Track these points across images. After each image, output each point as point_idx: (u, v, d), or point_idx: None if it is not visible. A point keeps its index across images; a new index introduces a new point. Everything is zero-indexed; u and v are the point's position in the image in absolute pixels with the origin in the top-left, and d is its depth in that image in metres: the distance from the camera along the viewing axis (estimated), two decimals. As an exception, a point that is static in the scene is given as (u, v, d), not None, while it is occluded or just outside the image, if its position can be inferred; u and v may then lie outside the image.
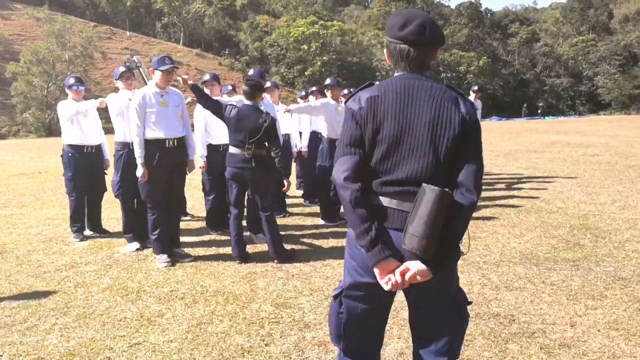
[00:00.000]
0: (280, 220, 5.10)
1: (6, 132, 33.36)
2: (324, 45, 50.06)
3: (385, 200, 1.64)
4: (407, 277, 1.58)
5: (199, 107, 4.81)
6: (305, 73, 48.67)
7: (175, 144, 4.22)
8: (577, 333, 2.83)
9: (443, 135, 1.62)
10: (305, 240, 4.96)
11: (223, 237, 5.03)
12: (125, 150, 4.55)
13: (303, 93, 7.92)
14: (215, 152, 5.04)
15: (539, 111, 46.01)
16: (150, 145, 4.13)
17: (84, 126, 4.99)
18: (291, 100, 30.48)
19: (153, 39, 55.30)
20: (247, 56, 54.12)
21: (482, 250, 4.49)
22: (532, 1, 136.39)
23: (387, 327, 2.88)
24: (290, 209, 6.28)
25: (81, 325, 3.05)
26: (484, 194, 7.09)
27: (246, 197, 4.68)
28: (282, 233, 4.53)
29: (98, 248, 4.79)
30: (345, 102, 1.78)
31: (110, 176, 4.90)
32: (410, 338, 1.92)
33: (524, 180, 8.45)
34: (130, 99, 4.38)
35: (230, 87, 6.10)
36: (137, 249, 4.64)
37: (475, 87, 8.50)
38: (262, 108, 4.25)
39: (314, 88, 7.31)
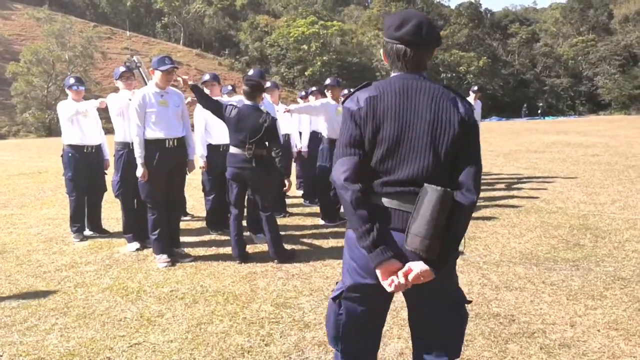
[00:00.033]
0: (280, 220, 5.10)
1: (6, 132, 33.35)
2: (324, 46, 50.05)
3: (386, 201, 1.64)
4: (410, 278, 1.58)
5: (199, 107, 4.81)
6: (305, 73, 48.65)
7: (175, 144, 4.22)
8: (577, 333, 2.83)
9: (443, 136, 1.62)
10: (305, 240, 4.96)
11: (223, 237, 5.03)
12: (125, 150, 4.55)
13: (303, 93, 7.92)
14: (215, 152, 5.04)
15: (539, 111, 45.97)
16: (150, 145, 4.13)
17: (84, 126, 4.99)
18: (291, 100, 30.48)
19: (153, 39, 55.28)
20: (247, 56, 54.10)
21: (482, 250, 4.49)
22: (532, 1, 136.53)
23: (387, 327, 2.90)
24: (290, 209, 6.28)
25: (81, 325, 3.05)
26: (484, 194, 7.09)
27: (246, 197, 4.68)
28: (282, 233, 4.53)
29: (98, 248, 4.79)
30: (342, 102, 1.77)
31: (110, 176, 4.90)
32: (410, 338, 1.92)
33: (524, 180, 8.45)
34: (130, 99, 4.38)
35: (230, 87, 6.10)
36: (137, 249, 4.64)
37: (475, 88, 8.50)
38: (262, 108, 4.25)
39: (314, 88, 7.31)
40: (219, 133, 4.96)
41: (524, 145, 15.43)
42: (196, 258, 4.38)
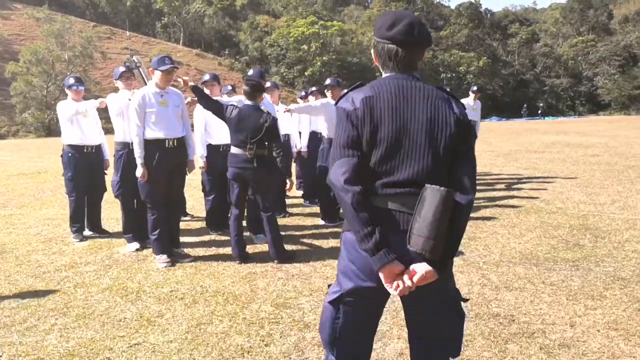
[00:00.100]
0: (280, 221, 5.09)
1: (5, 132, 33.35)
2: (324, 46, 50.07)
3: (386, 203, 1.62)
4: (415, 280, 1.57)
5: (199, 107, 4.81)
6: (305, 73, 48.67)
7: (175, 144, 4.22)
8: (576, 333, 2.83)
9: (440, 135, 1.62)
10: (305, 240, 4.96)
11: (223, 237, 5.03)
12: (125, 150, 4.55)
13: (303, 93, 7.92)
14: (215, 152, 5.04)
15: (539, 111, 46.01)
16: (150, 146, 4.13)
17: (83, 126, 4.98)
18: (291, 100, 30.47)
19: (153, 39, 55.29)
20: (247, 56, 54.12)
21: (482, 250, 4.49)
22: (531, 2, 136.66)
23: (387, 327, 2.89)
24: (290, 209, 6.28)
25: (81, 326, 3.05)
26: (484, 194, 7.09)
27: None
28: (282, 233, 4.52)
29: (98, 248, 4.79)
30: (336, 103, 1.76)
31: (110, 176, 4.90)
32: (408, 338, 1.91)
33: (524, 180, 8.45)
34: (130, 99, 4.38)
35: (230, 87, 6.10)
36: (137, 249, 4.64)
37: (475, 88, 8.49)
38: (263, 108, 4.25)
39: (313, 88, 7.31)
40: (219, 133, 4.96)
41: (523, 145, 15.43)
42: (196, 258, 4.38)
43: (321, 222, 5.61)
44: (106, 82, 38.34)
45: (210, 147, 5.08)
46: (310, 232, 5.30)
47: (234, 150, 4.20)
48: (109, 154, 5.26)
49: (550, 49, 58.16)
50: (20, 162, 14.00)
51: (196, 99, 4.37)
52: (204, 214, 5.63)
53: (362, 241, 1.58)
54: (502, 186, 7.91)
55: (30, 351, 2.74)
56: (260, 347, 2.74)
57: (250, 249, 4.58)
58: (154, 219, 4.22)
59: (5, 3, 50.87)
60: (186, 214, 6.08)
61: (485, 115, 36.76)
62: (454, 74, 52.37)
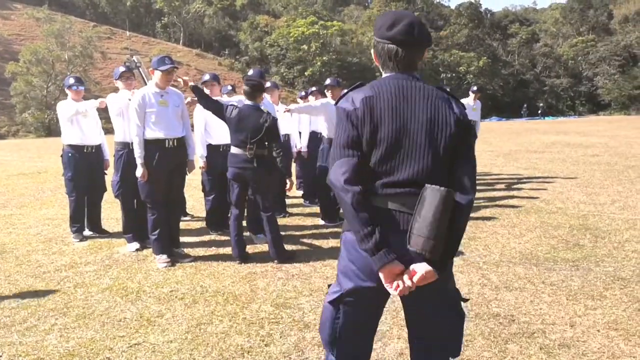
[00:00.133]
0: (280, 221, 5.09)
1: (5, 132, 33.35)
2: (324, 46, 50.07)
3: (386, 203, 1.62)
4: (415, 280, 1.57)
5: (199, 107, 4.81)
6: (305, 73, 48.67)
7: (175, 144, 4.22)
8: (576, 333, 2.83)
9: (440, 135, 1.62)
10: (305, 240, 4.96)
11: (223, 237, 5.03)
12: (125, 150, 4.55)
13: (303, 93, 7.92)
14: (215, 152, 5.04)
15: (539, 111, 46.01)
16: (150, 145, 4.13)
17: (83, 126, 4.98)
18: (291, 100, 30.47)
19: (153, 39, 55.29)
20: (247, 56, 54.12)
21: (482, 250, 4.49)
22: (531, 2, 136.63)
23: (387, 327, 2.90)
24: (290, 209, 6.28)
25: (81, 326, 3.05)
26: (484, 194, 7.09)
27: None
28: (282, 233, 4.53)
29: (98, 248, 4.79)
30: (336, 103, 1.76)
31: (110, 176, 4.90)
32: (408, 338, 1.91)
33: (524, 180, 8.45)
34: (129, 99, 4.38)
35: (230, 87, 6.10)
36: (137, 249, 4.64)
37: (475, 88, 8.50)
38: (263, 108, 4.25)
39: (313, 88, 7.31)
40: (219, 133, 4.96)
41: (523, 145, 15.43)
42: (196, 258, 4.38)
43: (321, 222, 5.61)
44: (106, 82, 38.35)
45: (210, 147, 5.08)
46: (310, 232, 5.30)
47: (234, 150, 4.21)
48: (109, 154, 5.26)
49: (550, 49, 58.16)
50: (20, 162, 14.01)
51: (196, 99, 4.37)
52: (204, 214, 5.63)
53: (362, 241, 1.58)
54: (502, 186, 7.91)
55: (30, 351, 2.74)
56: (260, 347, 2.74)
57: (250, 249, 4.58)
58: (154, 219, 4.22)
59: (5, 3, 50.88)
60: (186, 214, 6.08)
61: (485, 115, 36.76)
62: (454, 74, 52.37)
